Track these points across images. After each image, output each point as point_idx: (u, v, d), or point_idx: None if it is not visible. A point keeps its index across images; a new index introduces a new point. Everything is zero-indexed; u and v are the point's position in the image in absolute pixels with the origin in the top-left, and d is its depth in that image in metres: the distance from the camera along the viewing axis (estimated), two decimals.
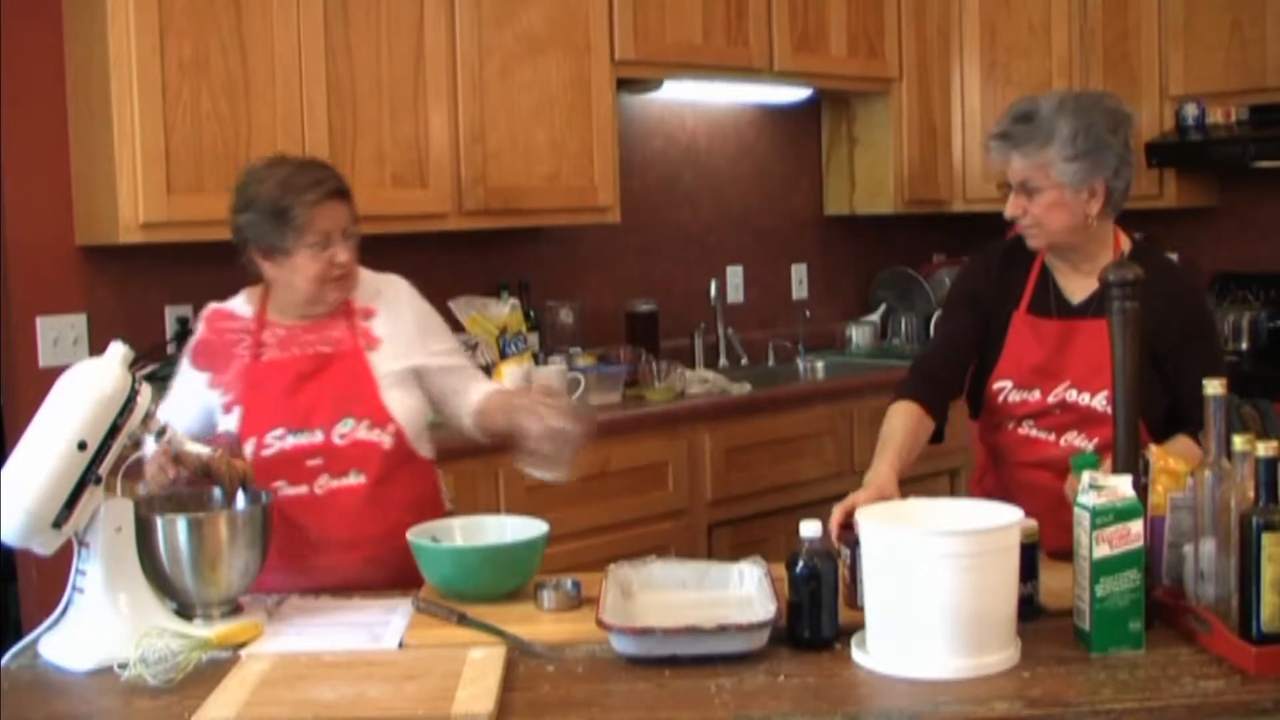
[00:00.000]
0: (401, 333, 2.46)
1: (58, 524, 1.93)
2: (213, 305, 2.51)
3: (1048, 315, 2.50)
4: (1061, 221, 2.42)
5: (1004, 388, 2.52)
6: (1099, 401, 2.42)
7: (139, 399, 2.01)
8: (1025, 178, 2.41)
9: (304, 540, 2.33)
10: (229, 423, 2.35)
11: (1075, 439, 2.46)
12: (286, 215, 2.30)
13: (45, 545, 1.95)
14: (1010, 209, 2.45)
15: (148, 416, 2.03)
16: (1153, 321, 2.14)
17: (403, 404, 2.41)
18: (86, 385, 1.99)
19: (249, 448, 2.34)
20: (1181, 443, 2.32)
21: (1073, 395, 2.45)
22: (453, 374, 2.53)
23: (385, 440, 2.37)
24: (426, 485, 2.49)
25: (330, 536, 2.34)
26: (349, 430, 2.36)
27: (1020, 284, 2.54)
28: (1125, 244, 2.51)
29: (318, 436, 2.35)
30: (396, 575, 2.31)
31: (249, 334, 2.42)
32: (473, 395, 2.52)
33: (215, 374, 2.41)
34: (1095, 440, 2.41)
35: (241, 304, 2.47)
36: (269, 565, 2.16)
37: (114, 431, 1.97)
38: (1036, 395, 2.49)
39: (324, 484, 2.35)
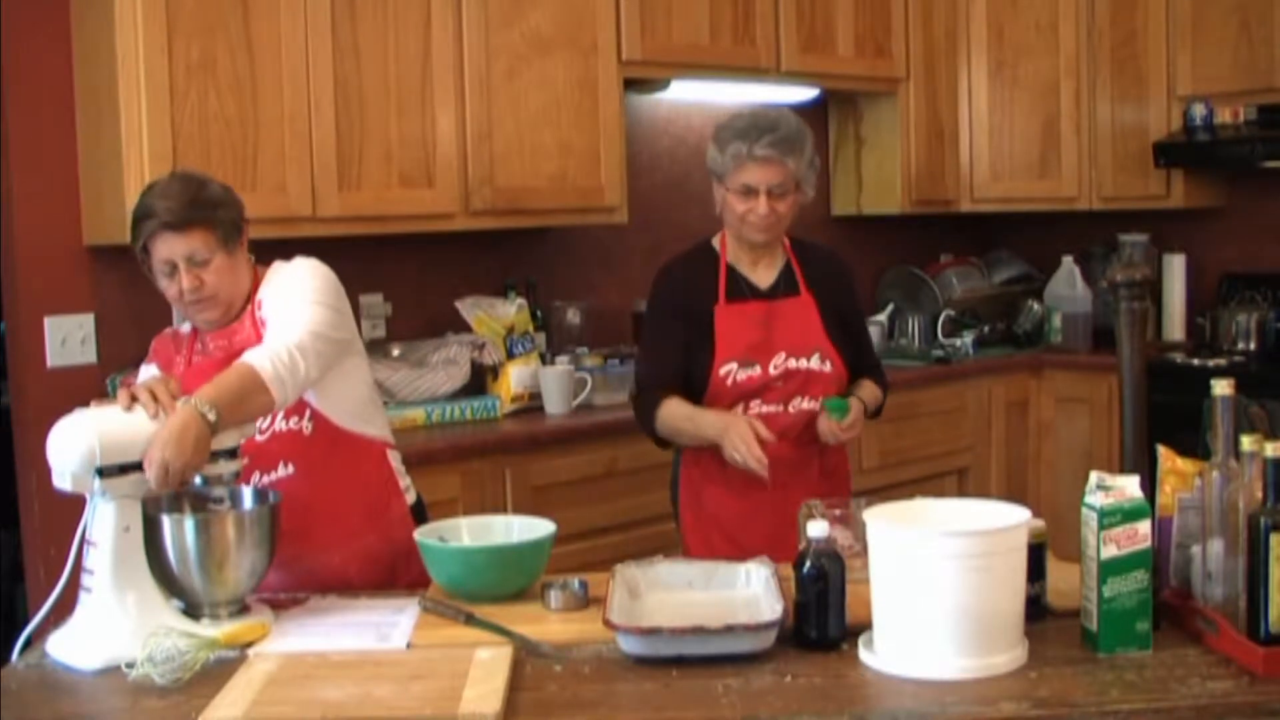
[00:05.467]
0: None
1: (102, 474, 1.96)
2: (162, 331, 2.52)
3: (745, 300, 2.84)
4: (790, 219, 2.83)
5: (730, 369, 2.80)
6: (814, 361, 2.82)
7: (231, 465, 2.09)
8: (782, 180, 2.74)
9: None
10: None
11: (803, 403, 2.82)
12: (136, 241, 2.31)
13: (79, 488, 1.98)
14: (764, 208, 2.75)
15: (220, 477, 2.09)
16: (838, 292, 2.90)
17: (317, 386, 2.31)
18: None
19: None
20: (867, 387, 2.91)
21: (792, 363, 2.81)
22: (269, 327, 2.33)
23: (305, 428, 2.35)
24: (369, 465, 2.44)
25: (283, 528, 2.29)
26: (266, 425, 2.33)
27: (711, 283, 2.85)
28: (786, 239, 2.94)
29: None
30: (364, 560, 2.33)
31: (186, 347, 2.42)
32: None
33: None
34: (820, 398, 2.81)
35: (186, 323, 2.47)
36: None
37: None
38: (758, 370, 2.80)
39: (257, 481, 2.33)
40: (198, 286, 2.30)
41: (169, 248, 2.29)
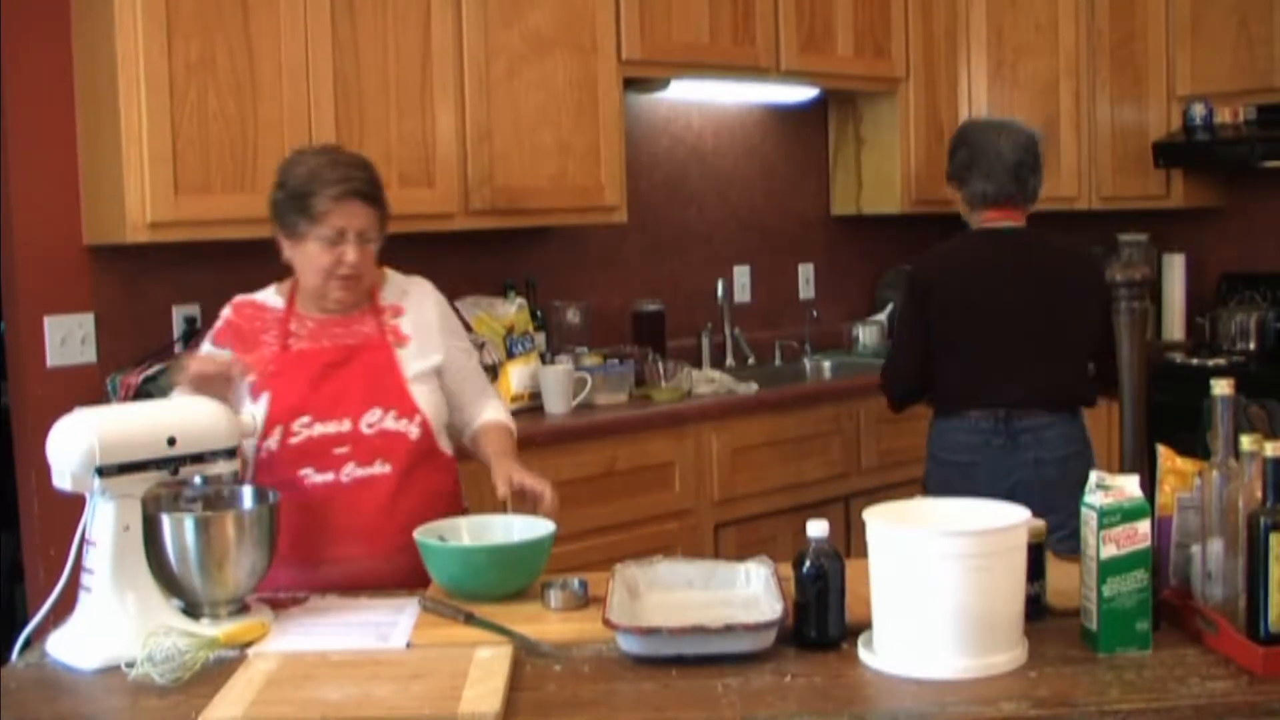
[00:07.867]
0: (426, 331, 2.51)
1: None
2: (241, 296, 2.53)
3: None
4: None
5: None
6: None
7: (230, 465, 2.10)
8: None
9: (325, 528, 2.35)
10: (256, 409, 2.36)
11: None
12: (307, 202, 2.34)
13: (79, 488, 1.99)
14: None
15: (219, 477, 2.11)
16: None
17: (428, 399, 2.46)
18: (223, 412, 2.13)
19: (276, 435, 2.37)
20: None
21: None
22: (469, 382, 2.62)
23: (412, 431, 2.41)
24: (448, 480, 2.53)
25: (354, 524, 2.36)
26: (376, 420, 2.40)
27: None
28: None
29: (345, 425, 2.38)
30: (410, 570, 2.32)
31: (278, 323, 2.45)
32: (480, 413, 2.61)
33: (241, 355, 2.42)
34: None
35: (271, 295, 2.50)
36: (281, 558, 2.18)
37: (199, 458, 2.06)
38: None
39: (350, 472, 2.37)
40: (357, 262, 2.36)
41: (351, 216, 2.34)
